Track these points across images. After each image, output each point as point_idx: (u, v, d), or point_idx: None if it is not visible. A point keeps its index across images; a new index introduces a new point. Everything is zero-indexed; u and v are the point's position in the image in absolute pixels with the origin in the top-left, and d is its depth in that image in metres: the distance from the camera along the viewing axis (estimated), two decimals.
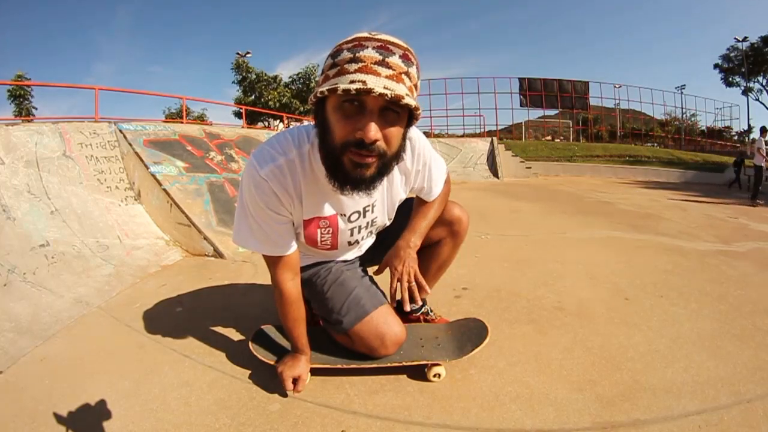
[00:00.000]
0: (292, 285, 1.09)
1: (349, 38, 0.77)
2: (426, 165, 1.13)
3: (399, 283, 1.08)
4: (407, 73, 0.76)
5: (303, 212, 1.02)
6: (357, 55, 0.73)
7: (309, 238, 1.09)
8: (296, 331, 1.14)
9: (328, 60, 0.79)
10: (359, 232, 1.16)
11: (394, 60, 0.74)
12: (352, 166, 0.80)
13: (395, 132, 0.78)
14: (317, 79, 0.81)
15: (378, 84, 0.71)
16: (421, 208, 1.21)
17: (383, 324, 1.16)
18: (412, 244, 1.14)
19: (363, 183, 0.83)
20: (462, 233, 1.32)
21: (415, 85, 0.79)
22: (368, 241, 1.31)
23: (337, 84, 0.72)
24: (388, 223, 1.22)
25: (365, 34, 0.76)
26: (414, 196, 1.24)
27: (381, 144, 0.77)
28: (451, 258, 1.38)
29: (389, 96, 0.71)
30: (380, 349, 1.16)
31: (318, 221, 1.06)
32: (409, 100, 0.73)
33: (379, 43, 0.74)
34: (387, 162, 0.82)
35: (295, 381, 1.13)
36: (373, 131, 0.74)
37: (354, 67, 0.73)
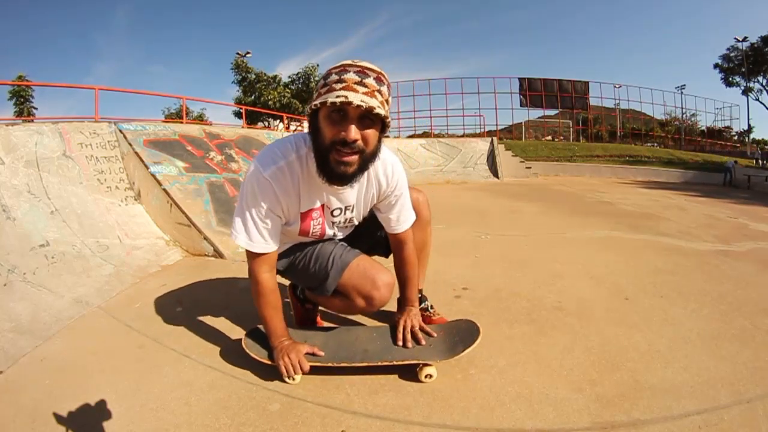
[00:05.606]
0: (269, 276, 1.21)
1: (338, 65, 1.00)
2: (399, 198, 1.28)
3: (404, 330, 1.30)
4: (379, 91, 0.99)
5: (300, 206, 1.19)
6: (342, 77, 0.97)
7: (303, 230, 1.25)
8: (276, 319, 1.23)
9: (320, 81, 1.03)
10: (340, 223, 1.31)
11: (369, 81, 0.98)
12: (336, 164, 1.02)
13: (371, 134, 1.01)
14: (314, 94, 1.04)
15: (356, 98, 0.93)
16: (403, 272, 1.37)
17: (370, 267, 1.25)
18: (409, 303, 1.38)
19: (346, 177, 1.05)
20: (423, 211, 1.46)
21: (386, 100, 1.01)
22: (346, 231, 1.42)
23: (326, 98, 0.95)
24: (358, 222, 1.36)
25: (349, 62, 1.00)
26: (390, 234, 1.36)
27: (360, 143, 0.99)
28: (426, 239, 1.52)
29: (364, 107, 0.94)
30: (374, 291, 1.21)
31: (312, 213, 1.22)
32: (379, 111, 0.95)
33: (358, 68, 0.98)
34: (366, 158, 1.04)
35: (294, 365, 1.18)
36: (353, 132, 0.97)
37: (339, 86, 0.96)
